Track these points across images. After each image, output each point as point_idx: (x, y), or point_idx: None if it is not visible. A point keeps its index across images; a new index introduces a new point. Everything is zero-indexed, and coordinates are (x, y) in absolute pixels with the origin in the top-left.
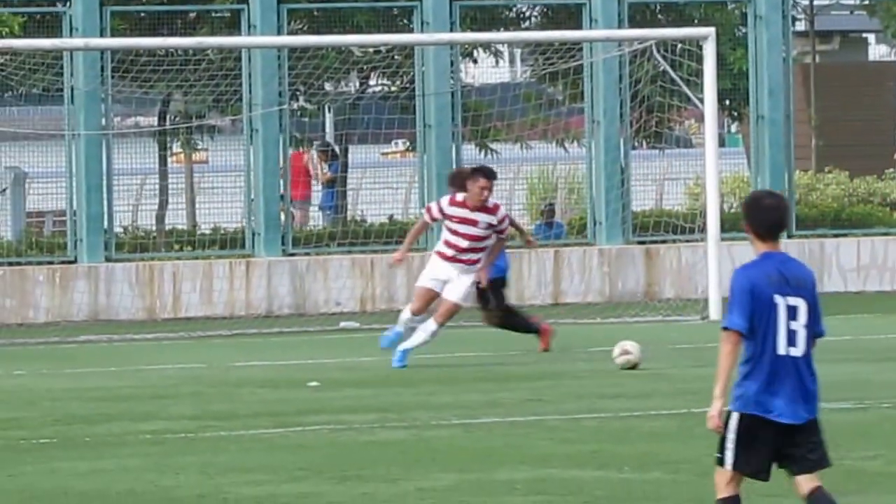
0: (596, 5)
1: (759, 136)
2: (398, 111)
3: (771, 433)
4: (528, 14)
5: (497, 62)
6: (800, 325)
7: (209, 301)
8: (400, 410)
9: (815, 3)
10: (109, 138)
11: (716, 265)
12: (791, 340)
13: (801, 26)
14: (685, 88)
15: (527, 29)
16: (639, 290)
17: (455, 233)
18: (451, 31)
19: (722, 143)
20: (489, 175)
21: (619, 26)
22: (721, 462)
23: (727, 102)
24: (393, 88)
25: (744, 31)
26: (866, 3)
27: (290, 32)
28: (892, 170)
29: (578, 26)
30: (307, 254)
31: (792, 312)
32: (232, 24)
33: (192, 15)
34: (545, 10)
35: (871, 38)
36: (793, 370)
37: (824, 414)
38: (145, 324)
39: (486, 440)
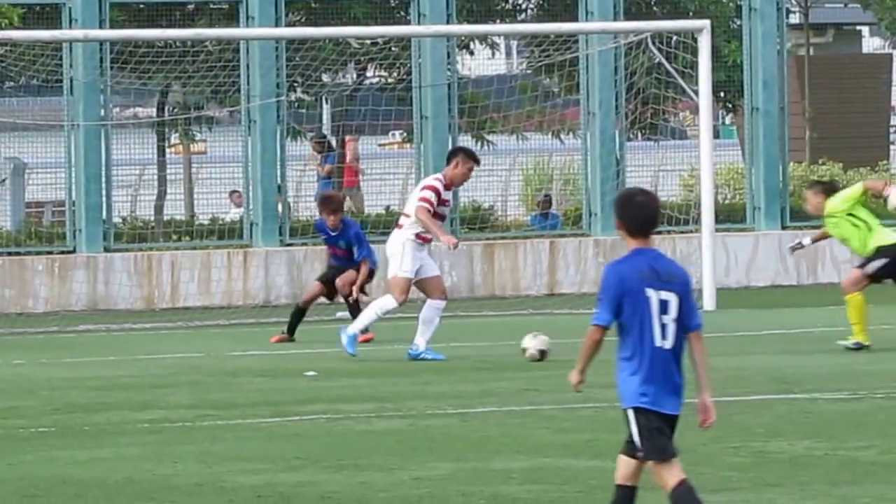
0: None
1: (753, 127)
2: (395, 103)
3: (664, 422)
4: (524, 6)
5: (493, 54)
6: (670, 318)
7: (207, 291)
8: (396, 400)
9: None
10: (108, 129)
11: (710, 256)
12: (663, 334)
13: (795, 19)
14: (680, 80)
15: (523, 21)
16: None
17: (442, 216)
18: (448, 23)
19: (716, 135)
20: (478, 159)
21: (615, 18)
22: (645, 458)
23: (722, 94)
24: (390, 80)
25: (738, 23)
26: None
27: (288, 24)
28: (885, 161)
29: (574, 18)
30: (304, 244)
31: (663, 306)
32: (230, 16)
33: (191, 6)
34: (541, 2)
35: (865, 30)
36: (664, 362)
37: (819, 404)
38: (144, 313)
39: (482, 429)
